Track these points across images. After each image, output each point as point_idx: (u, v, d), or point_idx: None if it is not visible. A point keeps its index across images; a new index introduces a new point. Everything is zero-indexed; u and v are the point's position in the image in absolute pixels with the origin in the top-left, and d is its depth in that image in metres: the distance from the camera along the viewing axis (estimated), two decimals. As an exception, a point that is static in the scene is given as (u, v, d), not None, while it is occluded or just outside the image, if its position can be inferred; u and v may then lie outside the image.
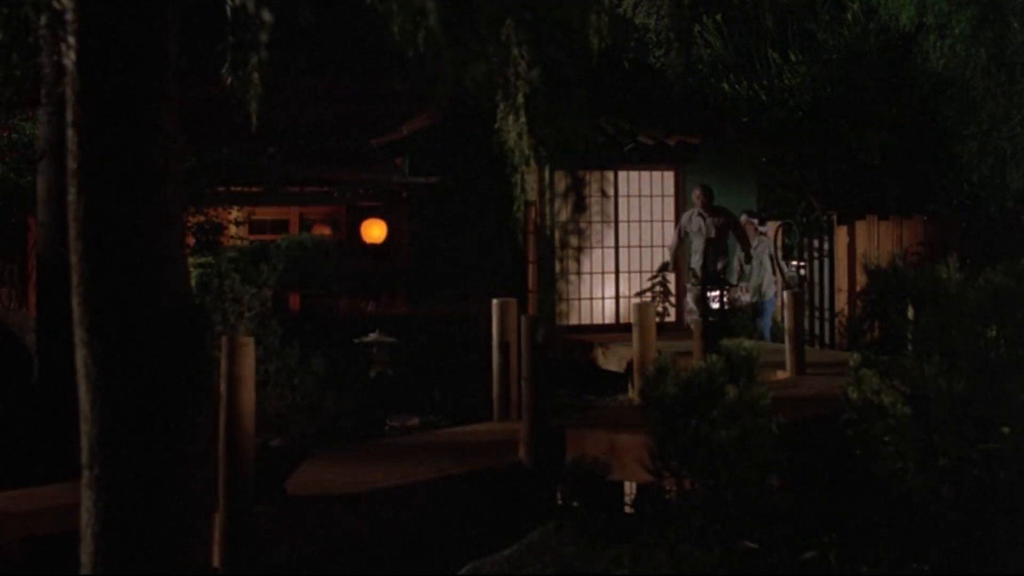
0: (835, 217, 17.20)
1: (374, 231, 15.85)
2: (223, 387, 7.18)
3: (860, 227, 17.24)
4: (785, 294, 11.94)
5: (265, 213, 16.17)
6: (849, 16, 17.99)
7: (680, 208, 16.43)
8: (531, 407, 8.80)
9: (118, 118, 2.85)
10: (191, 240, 15.06)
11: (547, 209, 15.95)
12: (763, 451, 4.66)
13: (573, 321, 15.84)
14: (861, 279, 17.15)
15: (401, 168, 16.49)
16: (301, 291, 14.88)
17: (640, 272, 16.27)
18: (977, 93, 16.15)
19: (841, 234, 17.02)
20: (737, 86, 19.10)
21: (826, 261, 16.87)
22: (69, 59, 2.78)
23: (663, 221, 16.46)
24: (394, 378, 13.92)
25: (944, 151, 16.98)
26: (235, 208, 15.37)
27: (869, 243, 17.17)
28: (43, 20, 2.72)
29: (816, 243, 17.13)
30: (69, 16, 2.75)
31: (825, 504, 4.92)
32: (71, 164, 2.94)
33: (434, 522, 8.22)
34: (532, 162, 17.34)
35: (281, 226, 16.94)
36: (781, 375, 11.46)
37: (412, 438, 10.44)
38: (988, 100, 16.10)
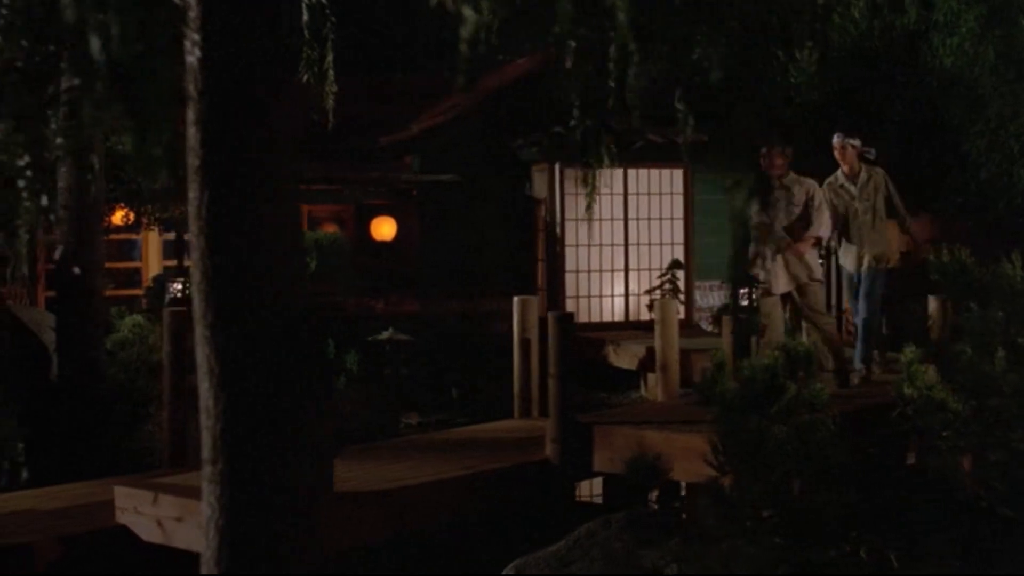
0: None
1: (384, 229, 15.85)
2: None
3: (868, 225, 17.26)
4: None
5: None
6: (856, 14, 18.00)
7: (689, 205, 16.49)
8: (558, 404, 8.80)
9: (241, 115, 2.85)
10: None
11: (557, 206, 15.92)
12: (821, 447, 4.68)
13: (583, 319, 15.83)
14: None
15: (410, 166, 16.50)
16: (314, 289, 14.88)
17: (649, 270, 16.28)
18: (985, 91, 16.17)
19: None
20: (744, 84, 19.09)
21: (834, 258, 16.89)
22: (193, 56, 2.78)
23: (672, 219, 16.48)
24: (407, 376, 13.92)
25: (951, 149, 17.01)
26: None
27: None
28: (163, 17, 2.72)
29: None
30: (192, 13, 2.75)
31: (875, 500, 4.94)
32: (192, 162, 2.94)
33: (463, 519, 8.22)
34: (541, 160, 17.17)
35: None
36: (798, 372, 11.47)
37: (434, 436, 10.44)
38: (996, 98, 16.11)
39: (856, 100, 18.14)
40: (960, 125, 16.77)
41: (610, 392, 14.32)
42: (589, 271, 16.17)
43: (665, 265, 16.13)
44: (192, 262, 2.99)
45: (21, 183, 2.80)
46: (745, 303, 8.90)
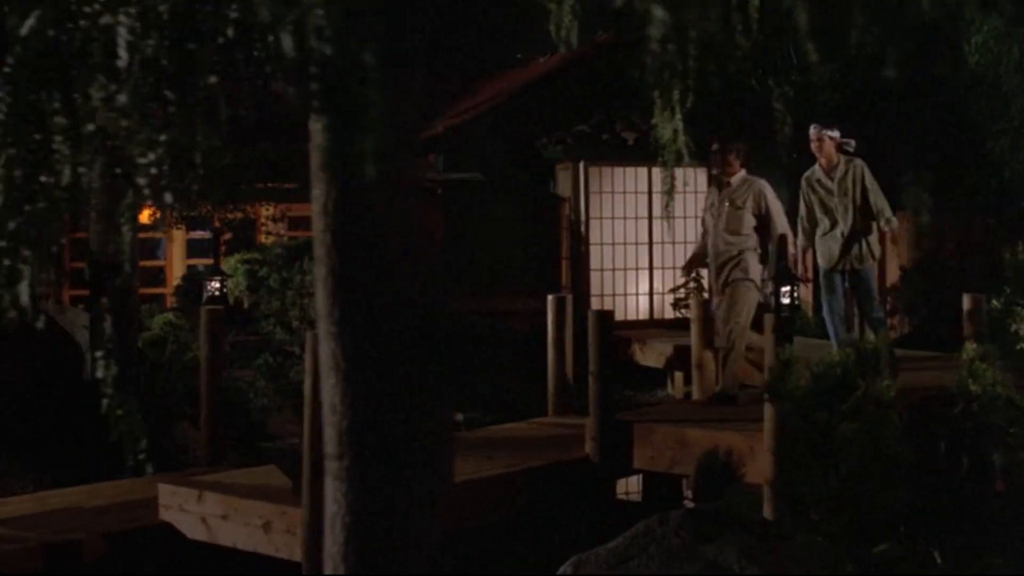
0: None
1: (409, 227, 15.86)
2: (307, 382, 7.22)
3: (890, 223, 17.27)
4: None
5: (300, 210, 16.19)
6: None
7: (714, 204, 16.47)
8: (598, 402, 8.83)
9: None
10: (225, 235, 15.08)
11: (582, 205, 15.87)
12: (887, 443, 4.70)
13: (608, 317, 15.83)
14: (892, 274, 17.21)
15: (434, 165, 16.52)
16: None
17: (674, 268, 16.27)
18: (1009, 89, 16.18)
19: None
20: (769, 83, 19.07)
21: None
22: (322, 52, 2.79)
23: (696, 217, 16.46)
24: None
25: (974, 147, 17.01)
26: (272, 205, 15.39)
27: (900, 239, 17.22)
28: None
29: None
30: (321, 12, 2.76)
31: (941, 497, 4.96)
32: (320, 159, 2.96)
33: (504, 517, 8.23)
34: (565, 158, 17.12)
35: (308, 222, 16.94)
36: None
37: (472, 434, 10.44)
38: (1020, 96, 16.12)
39: (877, 99, 18.13)
40: (983, 123, 16.77)
41: (636, 391, 14.29)
42: (613, 269, 16.17)
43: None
44: (316, 259, 3.00)
45: (142, 180, 2.81)
46: (787, 301, 8.90)
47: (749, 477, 8.43)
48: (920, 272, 17.19)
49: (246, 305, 12.36)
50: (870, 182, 10.65)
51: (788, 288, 8.75)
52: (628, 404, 13.25)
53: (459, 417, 12.88)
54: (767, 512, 6.59)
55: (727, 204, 10.33)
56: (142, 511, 8.13)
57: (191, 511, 7.79)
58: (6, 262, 2.96)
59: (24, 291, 3.14)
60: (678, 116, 3.90)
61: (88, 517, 8.06)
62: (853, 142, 10.81)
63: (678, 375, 13.96)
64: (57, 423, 10.18)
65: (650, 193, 16.19)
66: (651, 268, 16.34)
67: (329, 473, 2.93)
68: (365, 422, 2.80)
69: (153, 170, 2.76)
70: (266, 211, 15.56)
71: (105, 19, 2.66)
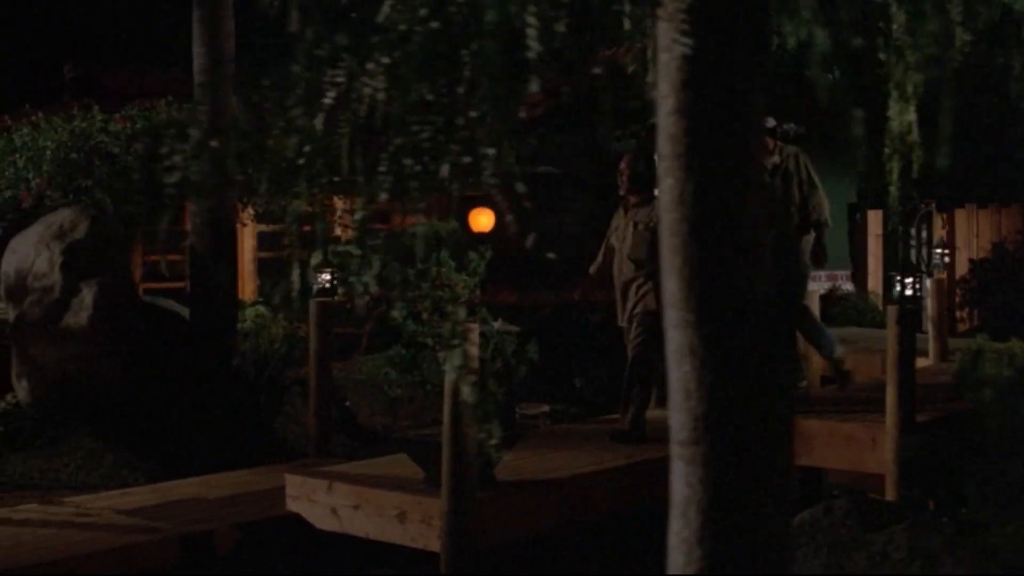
0: (934, 205, 17.24)
1: (482, 220, 15.86)
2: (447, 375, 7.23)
3: (959, 215, 17.32)
4: (928, 282, 11.95)
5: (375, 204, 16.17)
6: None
7: (785, 196, 16.44)
8: (715, 393, 8.81)
9: (722, 104, 2.92)
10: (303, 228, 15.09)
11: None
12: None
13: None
14: (961, 267, 17.21)
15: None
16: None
17: (745, 260, 16.28)
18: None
19: (939, 222, 17.11)
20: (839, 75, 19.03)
21: (924, 249, 16.95)
22: (681, 46, 2.84)
23: (765, 210, 16.46)
24: (517, 367, 13.91)
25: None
26: (345, 198, 15.38)
27: (968, 231, 17.22)
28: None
29: (914, 231, 17.20)
30: (674, 7, 2.81)
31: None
32: (673, 149, 3.00)
33: (632, 507, 8.24)
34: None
35: (380, 216, 16.97)
36: (923, 362, 11.41)
37: (580, 427, 10.46)
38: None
39: (940, 88, 18.05)
40: (1053, 115, 16.72)
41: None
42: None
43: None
44: (668, 248, 3.05)
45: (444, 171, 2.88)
46: (910, 293, 8.88)
47: (852, 466, 8.44)
48: (988, 264, 17.18)
49: (336, 296, 12.39)
50: (805, 174, 9.41)
51: (911, 280, 8.73)
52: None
53: (545, 408, 12.92)
54: (890, 495, 6.64)
55: (631, 227, 9.56)
56: (268, 501, 8.19)
57: (320, 501, 7.82)
58: (359, 253, 3.01)
59: (371, 282, 3.19)
60: (912, 108, 3.90)
61: (214, 508, 8.13)
62: (792, 126, 9.72)
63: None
64: (164, 416, 10.25)
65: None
66: (723, 261, 16.33)
67: (680, 459, 2.97)
68: (723, 407, 2.84)
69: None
70: (341, 204, 15.55)
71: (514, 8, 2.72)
